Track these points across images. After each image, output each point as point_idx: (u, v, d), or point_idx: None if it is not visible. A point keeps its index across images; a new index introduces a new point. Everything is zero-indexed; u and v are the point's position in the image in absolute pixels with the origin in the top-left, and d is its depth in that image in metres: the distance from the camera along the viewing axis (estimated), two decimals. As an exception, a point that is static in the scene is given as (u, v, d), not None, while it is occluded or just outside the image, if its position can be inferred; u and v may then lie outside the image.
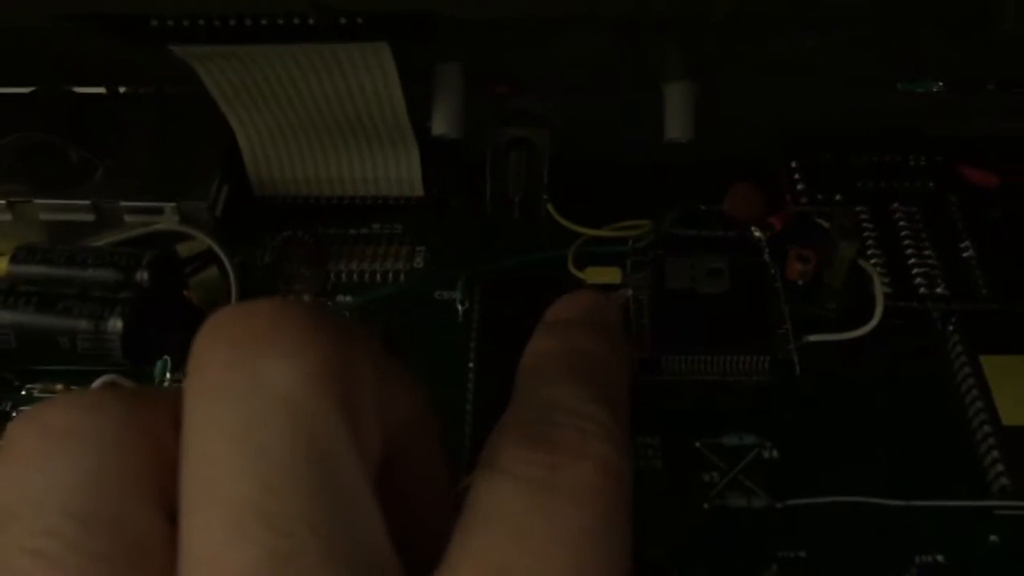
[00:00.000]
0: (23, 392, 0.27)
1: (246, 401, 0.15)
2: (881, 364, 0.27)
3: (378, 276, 0.30)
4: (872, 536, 0.24)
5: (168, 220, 0.29)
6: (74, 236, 0.29)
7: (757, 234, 0.30)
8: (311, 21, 0.26)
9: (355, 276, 0.30)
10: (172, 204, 0.28)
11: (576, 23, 0.28)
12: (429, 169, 0.31)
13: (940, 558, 0.23)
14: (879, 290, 0.28)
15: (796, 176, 0.31)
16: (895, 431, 0.26)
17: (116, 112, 0.31)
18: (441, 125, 0.29)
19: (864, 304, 0.28)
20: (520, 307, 0.29)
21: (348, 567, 0.14)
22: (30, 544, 0.14)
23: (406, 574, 0.15)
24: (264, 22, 0.26)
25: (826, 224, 0.30)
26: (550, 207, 0.31)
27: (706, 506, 0.25)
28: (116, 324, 0.26)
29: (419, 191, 0.31)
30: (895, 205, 0.30)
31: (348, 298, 0.30)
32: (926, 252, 0.29)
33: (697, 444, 0.26)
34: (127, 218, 0.29)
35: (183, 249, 0.29)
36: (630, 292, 0.29)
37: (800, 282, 0.29)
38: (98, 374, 0.27)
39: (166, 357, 0.27)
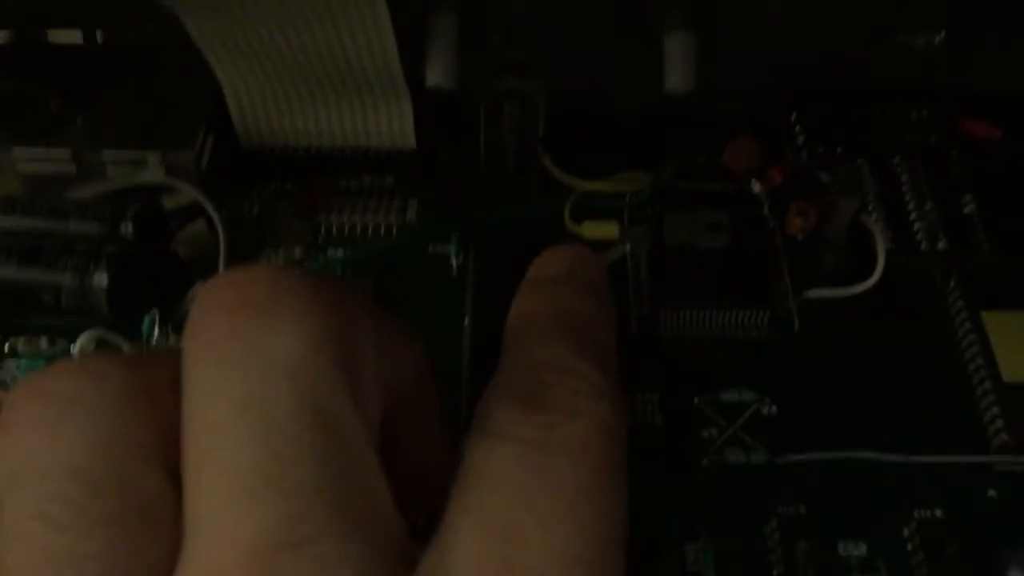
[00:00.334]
0: (6, 347, 0.27)
1: (248, 369, 0.15)
2: (881, 320, 0.27)
3: (370, 229, 0.29)
4: (871, 491, 0.24)
5: (153, 171, 0.28)
6: (54, 188, 0.28)
7: (757, 188, 0.30)
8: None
9: (346, 229, 0.29)
10: (157, 153, 0.28)
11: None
12: (421, 121, 0.30)
13: (939, 513, 0.23)
14: (880, 246, 0.28)
15: (797, 128, 0.31)
16: (895, 387, 0.26)
17: (96, 59, 0.30)
18: (435, 75, 0.28)
19: (865, 259, 0.28)
20: (516, 261, 0.29)
21: (354, 529, 0.14)
22: (37, 508, 0.14)
23: (409, 533, 0.16)
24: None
25: (826, 178, 0.30)
26: (546, 160, 0.30)
27: (705, 462, 0.24)
28: (101, 279, 0.25)
29: (411, 143, 0.30)
30: (896, 159, 0.30)
31: (339, 252, 0.29)
32: (927, 206, 0.29)
33: (696, 400, 0.26)
34: (110, 169, 0.28)
35: (169, 202, 0.28)
36: (628, 246, 0.29)
37: (800, 237, 0.29)
38: (83, 328, 0.26)
39: (154, 311, 0.26)
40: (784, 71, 0.32)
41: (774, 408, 0.25)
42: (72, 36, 0.31)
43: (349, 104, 0.29)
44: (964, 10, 0.31)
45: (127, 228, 0.26)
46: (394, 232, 0.29)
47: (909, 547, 0.23)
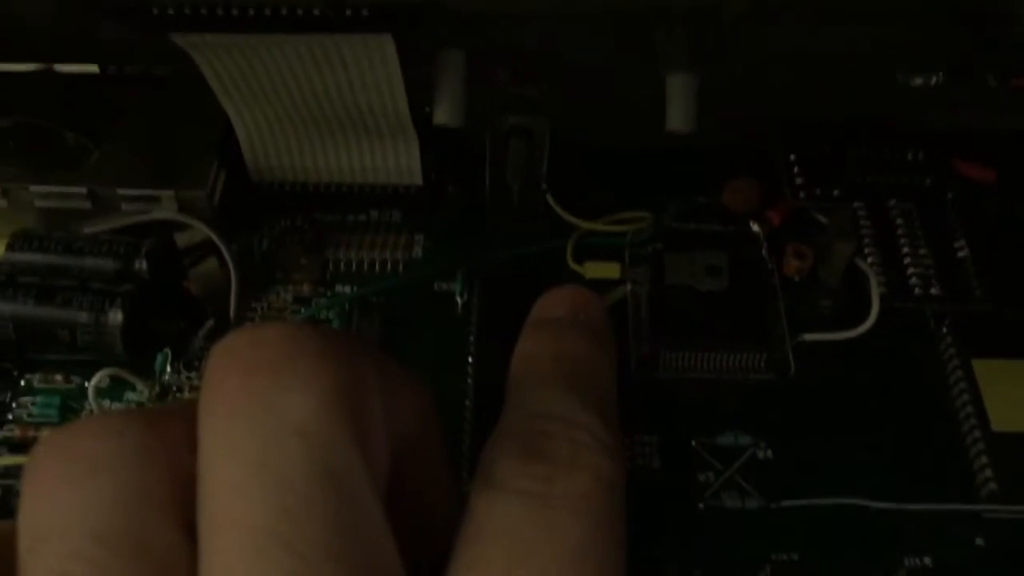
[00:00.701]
0: (22, 382, 0.27)
1: (262, 429, 0.15)
2: (875, 364, 0.28)
3: (377, 266, 0.30)
4: (862, 538, 0.24)
5: (166, 208, 0.28)
6: (70, 222, 0.29)
7: (755, 228, 0.31)
8: (316, 12, 0.25)
9: (353, 265, 0.30)
10: (170, 192, 0.28)
11: (582, 17, 0.28)
12: (428, 156, 0.31)
13: (928, 561, 0.24)
14: (875, 290, 0.28)
15: (795, 170, 0.31)
16: (887, 433, 0.26)
17: (111, 94, 0.30)
18: (443, 114, 0.29)
19: (860, 303, 0.29)
20: (519, 299, 0.29)
21: None
22: (59, 567, 0.15)
23: None
24: (268, 12, 0.25)
25: (824, 220, 0.30)
26: (549, 197, 0.31)
27: (701, 506, 0.25)
28: (116, 317, 0.26)
29: (418, 180, 0.31)
30: (892, 202, 0.31)
31: (347, 288, 0.30)
32: (921, 251, 0.30)
33: (693, 443, 0.26)
34: (124, 205, 0.28)
35: (181, 238, 0.29)
36: (629, 287, 0.29)
37: (797, 278, 0.30)
38: (97, 364, 0.27)
39: (167, 350, 0.27)
40: (784, 111, 0.33)
41: (769, 452, 0.26)
42: (88, 73, 0.31)
43: (358, 144, 0.30)
44: (963, 51, 0.32)
45: (141, 265, 0.27)
46: (401, 268, 0.30)
47: (898, 594, 0.24)
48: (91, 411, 0.27)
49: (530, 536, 0.18)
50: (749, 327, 0.28)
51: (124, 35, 0.27)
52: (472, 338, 0.28)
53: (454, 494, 0.21)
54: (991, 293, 0.29)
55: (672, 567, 0.24)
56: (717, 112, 0.29)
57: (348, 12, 0.25)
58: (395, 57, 0.26)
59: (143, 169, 0.29)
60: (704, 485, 0.25)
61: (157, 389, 0.27)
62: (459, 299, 0.29)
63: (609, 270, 0.30)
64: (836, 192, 0.31)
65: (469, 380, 0.28)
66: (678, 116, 0.29)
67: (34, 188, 0.28)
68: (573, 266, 0.30)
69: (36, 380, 0.27)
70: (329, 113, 0.28)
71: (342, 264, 0.30)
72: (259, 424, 0.15)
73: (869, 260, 0.29)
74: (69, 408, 0.27)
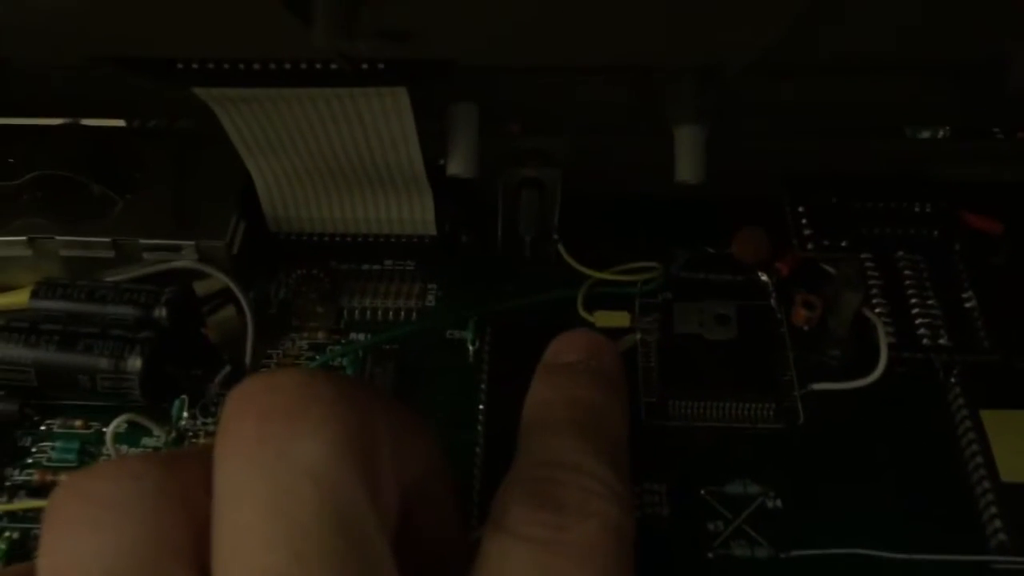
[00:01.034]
0: (43, 427, 0.28)
1: (275, 474, 0.16)
2: (884, 414, 0.28)
3: (391, 314, 0.31)
4: (871, 588, 0.24)
5: (186, 257, 0.29)
6: (93, 270, 0.30)
7: (764, 279, 0.31)
8: (333, 66, 0.26)
9: (368, 314, 0.31)
10: (190, 242, 0.29)
11: (591, 71, 0.29)
12: (441, 207, 0.31)
13: (938, 612, 0.24)
14: (883, 340, 0.29)
15: (803, 221, 0.32)
16: (896, 483, 0.26)
17: (135, 147, 0.31)
18: (456, 166, 0.29)
19: (868, 353, 0.29)
20: (531, 347, 0.30)
21: None
22: None
23: None
24: (287, 66, 0.26)
25: (832, 270, 0.31)
26: (560, 247, 0.32)
27: (710, 555, 0.25)
28: (135, 364, 0.27)
29: (432, 231, 0.32)
30: (900, 253, 0.31)
31: (361, 336, 0.30)
32: (929, 302, 0.30)
33: (702, 492, 0.26)
34: (146, 255, 0.29)
35: (200, 286, 0.29)
36: (639, 336, 0.30)
37: (806, 328, 0.30)
38: (116, 410, 0.27)
39: (183, 396, 0.28)
40: (792, 163, 0.33)
41: (779, 501, 0.26)
42: (114, 126, 0.32)
43: (373, 195, 0.30)
44: (968, 105, 0.32)
45: (161, 313, 0.28)
46: (414, 316, 0.31)
47: (908, 644, 0.24)
48: (109, 456, 0.27)
49: None
50: (758, 376, 0.29)
51: (148, 89, 0.28)
52: (483, 385, 0.29)
53: (462, 535, 0.21)
54: (999, 344, 0.29)
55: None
56: (726, 164, 0.30)
57: (364, 66, 0.26)
58: (410, 110, 0.27)
59: (165, 220, 0.30)
60: (713, 534, 0.25)
61: (174, 435, 0.28)
62: (471, 347, 0.30)
63: (619, 319, 0.30)
64: (844, 243, 0.31)
65: (480, 427, 0.28)
66: (687, 167, 0.30)
67: (59, 238, 0.29)
68: (584, 315, 0.30)
69: (56, 425, 0.28)
70: (345, 165, 0.29)
71: (357, 312, 0.31)
72: (272, 469, 0.16)
73: (877, 310, 0.30)
74: (87, 453, 0.27)
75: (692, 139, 0.30)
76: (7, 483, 0.27)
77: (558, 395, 0.23)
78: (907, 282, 0.30)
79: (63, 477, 0.27)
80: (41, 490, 0.27)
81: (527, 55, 0.27)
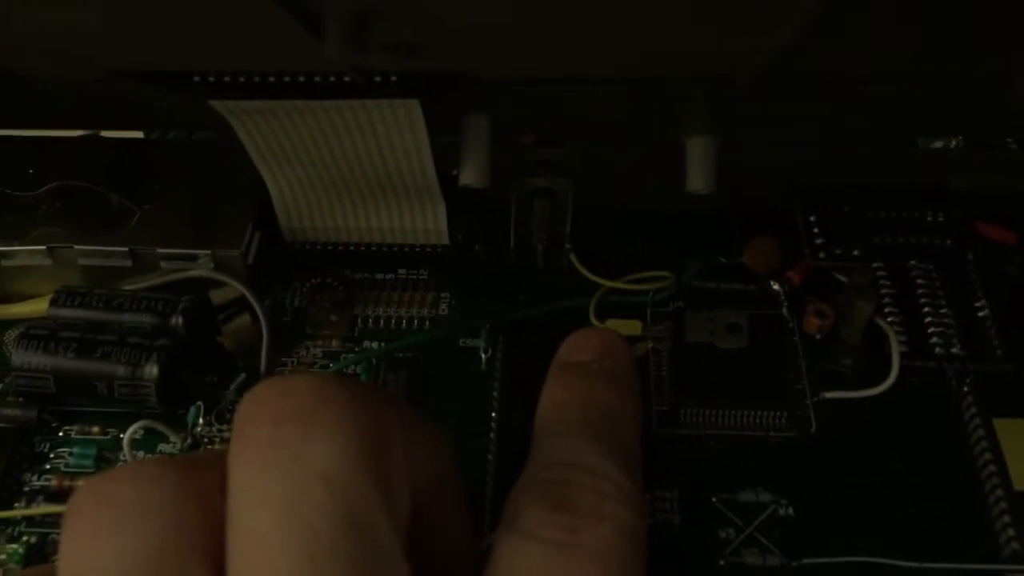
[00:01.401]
0: (60, 433, 0.28)
1: (288, 478, 0.16)
2: (896, 423, 0.28)
3: (404, 322, 0.31)
4: (884, 597, 0.24)
5: (203, 267, 0.29)
6: (111, 279, 0.30)
7: (776, 288, 0.31)
8: (346, 78, 0.26)
9: (381, 322, 0.31)
10: (207, 252, 0.29)
11: (603, 83, 0.29)
12: (454, 216, 0.32)
13: (951, 621, 0.24)
14: (895, 348, 0.29)
15: (815, 230, 0.32)
16: (909, 491, 0.26)
17: (152, 158, 0.32)
18: (468, 176, 0.30)
19: (880, 361, 0.29)
20: (543, 356, 0.30)
21: None
22: None
23: None
24: (301, 79, 0.26)
25: (844, 279, 0.31)
26: (572, 257, 0.32)
27: (722, 563, 0.25)
28: (152, 371, 0.27)
29: (445, 240, 0.32)
30: (913, 262, 0.31)
31: (374, 344, 0.30)
32: (942, 311, 0.30)
33: (714, 499, 0.26)
34: (163, 264, 0.30)
35: (216, 295, 0.30)
36: (650, 344, 0.30)
37: (817, 337, 0.30)
38: (133, 416, 0.28)
39: (199, 403, 0.28)
40: (804, 173, 0.33)
41: (790, 510, 0.26)
42: (132, 138, 0.33)
43: (387, 205, 0.31)
44: (981, 116, 0.32)
45: (178, 321, 0.28)
46: (427, 325, 0.31)
47: (921, 653, 0.23)
48: (126, 462, 0.27)
49: None
50: (769, 385, 0.29)
51: (166, 102, 0.28)
52: (496, 393, 0.29)
53: (473, 538, 0.21)
54: (1012, 353, 0.29)
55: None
56: (738, 174, 0.30)
57: (377, 79, 0.26)
58: (422, 122, 0.27)
59: (182, 230, 0.30)
60: (724, 542, 0.25)
61: (189, 441, 0.28)
62: (483, 355, 0.30)
63: (631, 327, 0.30)
64: (856, 252, 0.31)
65: (492, 434, 0.28)
66: (698, 177, 0.30)
67: (78, 247, 0.30)
68: (595, 323, 0.30)
69: (73, 431, 0.28)
70: (359, 176, 0.30)
71: (370, 321, 0.31)
72: (286, 473, 0.16)
73: (889, 319, 0.30)
74: (104, 459, 0.28)
75: (703, 149, 0.30)
76: (25, 488, 0.27)
77: (572, 396, 0.23)
78: (920, 291, 0.30)
79: (80, 482, 0.27)
80: (59, 495, 0.27)
81: (538, 68, 0.27)
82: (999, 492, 0.25)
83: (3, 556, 0.26)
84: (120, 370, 0.27)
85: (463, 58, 0.25)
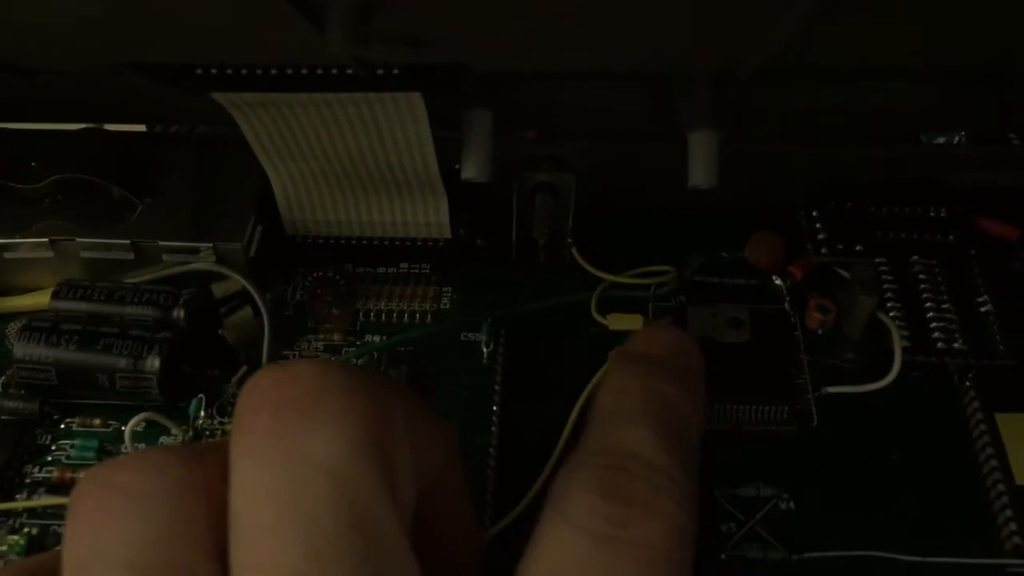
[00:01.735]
0: (62, 426, 0.28)
1: (290, 469, 0.15)
2: (898, 417, 0.28)
3: (406, 316, 0.31)
4: (885, 591, 0.24)
5: (204, 260, 0.29)
6: (113, 272, 0.30)
7: (778, 283, 0.31)
8: (349, 71, 0.26)
9: (383, 316, 0.31)
10: (208, 245, 0.29)
11: (606, 75, 0.29)
12: (456, 211, 0.32)
13: (952, 615, 0.24)
14: (897, 343, 0.29)
15: (817, 225, 0.32)
16: (911, 485, 0.26)
17: (155, 151, 0.32)
18: (470, 170, 0.30)
19: (882, 356, 0.29)
20: (544, 350, 0.30)
21: None
22: None
23: None
24: (303, 71, 0.26)
25: (846, 274, 0.31)
26: (574, 251, 0.32)
27: (723, 557, 0.25)
28: (154, 363, 0.27)
29: (447, 234, 0.32)
30: (915, 257, 0.31)
31: (376, 338, 0.30)
32: (944, 306, 0.30)
33: (715, 494, 0.26)
34: (165, 257, 0.30)
35: (218, 288, 0.30)
36: (652, 339, 0.30)
37: (819, 332, 0.30)
38: (135, 409, 0.28)
39: (201, 396, 0.28)
40: (806, 167, 0.33)
41: (792, 504, 0.26)
42: (134, 131, 0.33)
43: (389, 199, 0.31)
44: (984, 111, 0.32)
45: (179, 314, 0.28)
46: (429, 319, 0.31)
47: (922, 648, 0.23)
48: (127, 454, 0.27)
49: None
50: (771, 379, 0.29)
51: (168, 95, 0.28)
52: (497, 387, 0.29)
53: (475, 528, 0.21)
54: (1014, 348, 0.28)
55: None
56: (740, 169, 0.30)
57: (380, 71, 0.26)
58: (425, 115, 0.27)
59: (183, 223, 0.30)
60: (726, 536, 0.25)
61: (191, 434, 0.28)
62: (485, 349, 0.30)
63: (633, 322, 0.30)
64: (859, 247, 0.31)
65: (494, 428, 0.28)
66: (700, 172, 0.30)
67: (80, 240, 0.30)
68: (597, 318, 0.30)
69: (75, 424, 0.28)
70: (361, 169, 0.30)
71: (372, 314, 0.31)
72: (287, 464, 0.15)
73: (892, 314, 0.30)
74: (106, 451, 0.28)
75: (705, 144, 0.30)
76: (27, 480, 0.27)
77: (638, 384, 0.22)
78: (922, 286, 0.30)
79: (82, 474, 0.27)
80: (60, 487, 0.27)
81: (540, 61, 0.27)
82: (1001, 487, 0.25)
83: (4, 547, 0.26)
84: (122, 362, 0.27)
85: (466, 51, 0.25)
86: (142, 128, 0.34)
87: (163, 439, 0.28)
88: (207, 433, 0.28)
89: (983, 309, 0.30)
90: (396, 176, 0.30)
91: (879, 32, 0.25)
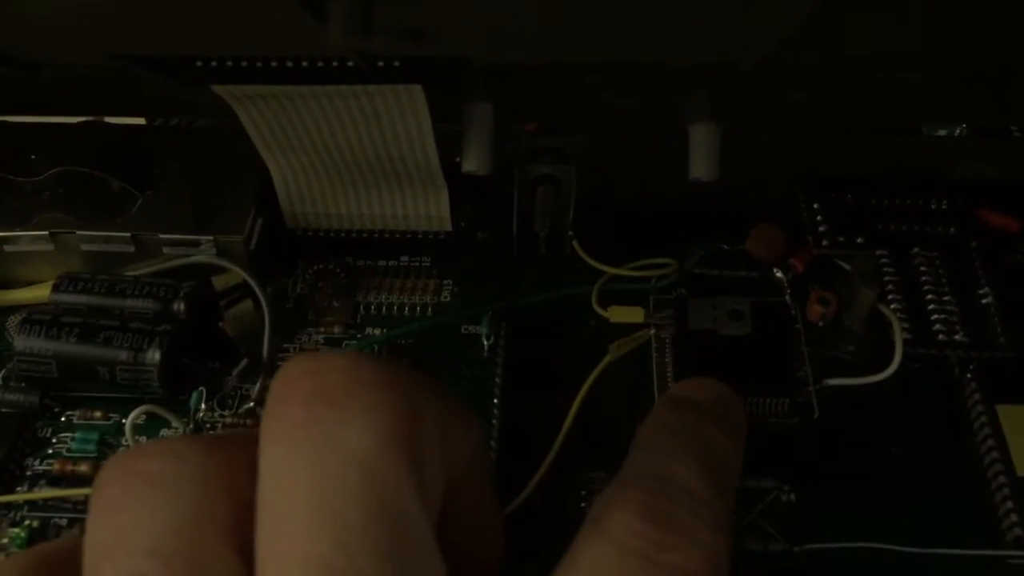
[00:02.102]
0: (63, 418, 0.28)
1: (321, 461, 0.15)
2: (899, 409, 0.28)
3: (406, 309, 0.31)
4: (886, 582, 0.24)
5: (205, 253, 0.29)
6: (113, 265, 0.30)
7: (779, 275, 0.31)
8: (349, 63, 0.26)
9: (384, 309, 0.31)
10: (209, 238, 0.29)
11: (606, 68, 0.29)
12: (457, 204, 0.32)
13: (953, 606, 0.24)
14: (898, 335, 0.29)
15: (818, 218, 0.32)
16: (911, 477, 0.26)
17: (155, 144, 0.32)
18: (471, 162, 0.30)
19: (883, 348, 0.29)
20: (545, 342, 0.30)
21: None
22: None
23: None
24: (304, 64, 0.26)
25: (847, 266, 0.31)
26: (575, 244, 0.32)
27: (724, 548, 0.25)
28: (154, 356, 0.27)
29: (448, 227, 0.32)
30: (916, 249, 0.31)
31: (377, 331, 0.30)
32: (946, 298, 0.30)
33: (716, 486, 0.26)
34: (165, 250, 0.30)
35: (218, 281, 0.30)
36: (653, 331, 0.30)
37: (820, 324, 0.30)
38: (135, 402, 0.28)
39: (201, 388, 0.28)
40: (807, 160, 0.33)
41: (792, 495, 0.26)
42: (135, 124, 0.33)
43: (389, 192, 0.31)
44: (985, 104, 0.32)
45: (180, 307, 0.28)
46: (429, 312, 0.31)
47: (923, 639, 0.23)
48: (128, 447, 0.27)
49: None
50: (773, 371, 0.29)
51: (169, 87, 0.28)
52: (498, 380, 0.29)
53: (500, 523, 0.21)
54: (1015, 340, 0.28)
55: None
56: (741, 161, 0.30)
57: (380, 64, 0.26)
58: (426, 107, 0.27)
59: (184, 216, 0.30)
60: (727, 527, 0.25)
61: (191, 426, 0.28)
62: (486, 342, 0.30)
63: (633, 314, 0.30)
64: (860, 240, 0.31)
65: (495, 421, 0.28)
66: (701, 165, 0.30)
67: (80, 233, 0.30)
68: (598, 310, 0.30)
69: (76, 416, 0.28)
70: (362, 162, 0.30)
71: (372, 307, 0.31)
72: (318, 455, 0.15)
73: (893, 306, 0.30)
74: (106, 444, 0.28)
75: (707, 137, 0.30)
76: (28, 472, 0.27)
77: (682, 423, 0.22)
78: (923, 278, 0.30)
79: (83, 467, 0.27)
80: (61, 480, 0.27)
81: (541, 53, 0.27)
82: (1002, 478, 0.25)
83: (5, 540, 0.26)
84: (122, 355, 0.27)
85: (467, 43, 0.25)
86: (142, 121, 0.34)
87: (164, 432, 0.28)
88: (208, 426, 0.28)
89: (984, 301, 0.30)
90: (397, 169, 0.29)
91: (881, 25, 0.25)
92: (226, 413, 0.28)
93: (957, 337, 0.29)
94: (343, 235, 0.32)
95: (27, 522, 0.26)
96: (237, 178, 0.31)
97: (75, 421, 0.28)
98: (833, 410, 0.28)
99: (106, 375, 0.27)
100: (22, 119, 0.32)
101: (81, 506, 0.26)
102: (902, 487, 0.26)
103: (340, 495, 0.15)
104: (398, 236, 0.32)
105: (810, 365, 0.29)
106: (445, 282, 0.32)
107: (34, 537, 0.26)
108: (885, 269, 0.30)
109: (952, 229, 0.31)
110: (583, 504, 0.26)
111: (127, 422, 0.27)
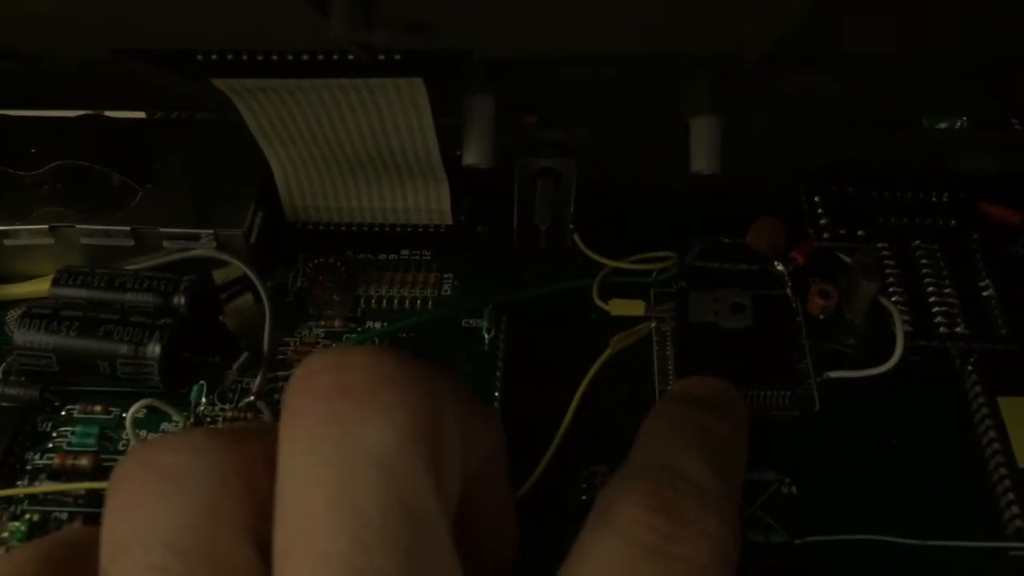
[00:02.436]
0: (63, 412, 0.28)
1: (341, 458, 0.15)
2: (900, 402, 0.28)
3: (407, 303, 0.31)
4: (886, 574, 0.24)
5: (205, 246, 0.29)
6: (113, 259, 0.30)
7: (779, 268, 0.31)
8: (350, 57, 0.26)
9: (384, 302, 0.31)
10: (209, 231, 0.29)
11: (607, 61, 0.29)
12: (457, 196, 0.32)
13: (954, 598, 0.24)
14: (899, 328, 0.29)
15: (819, 211, 0.32)
16: (913, 469, 0.26)
17: (155, 138, 0.32)
18: (472, 156, 0.30)
19: (884, 341, 0.29)
20: (545, 335, 0.30)
21: None
22: None
23: None
24: (305, 57, 0.26)
25: (848, 259, 0.31)
26: (576, 237, 0.32)
27: (725, 541, 0.25)
28: (154, 350, 0.27)
29: (448, 220, 0.32)
30: (917, 242, 0.31)
31: (377, 324, 0.30)
32: (947, 290, 0.30)
33: (717, 478, 0.26)
34: (165, 243, 0.30)
35: (219, 275, 0.30)
36: (654, 324, 0.30)
37: (821, 317, 0.30)
38: (135, 396, 0.27)
39: (202, 382, 0.28)
40: (808, 153, 0.33)
41: (794, 488, 0.26)
42: (134, 118, 0.33)
43: (390, 185, 0.31)
44: (986, 96, 0.32)
45: (180, 300, 0.28)
46: (430, 305, 0.31)
47: (924, 631, 0.24)
48: (128, 441, 0.27)
49: None
50: (773, 364, 0.29)
51: (169, 81, 0.28)
52: (499, 373, 0.29)
53: (515, 521, 0.21)
54: (1016, 332, 0.28)
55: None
56: (742, 155, 0.30)
57: (381, 57, 0.26)
58: (426, 101, 0.27)
59: (184, 209, 0.30)
60: (728, 520, 0.25)
61: (192, 420, 0.28)
62: (486, 335, 0.30)
63: (634, 307, 0.30)
64: (861, 233, 0.31)
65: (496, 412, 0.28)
66: (702, 158, 0.30)
67: (80, 227, 0.30)
68: (599, 303, 0.30)
69: (76, 410, 0.28)
70: (362, 155, 0.29)
71: (373, 301, 0.31)
72: (338, 453, 0.15)
73: (894, 299, 0.29)
74: (107, 438, 0.28)
75: (708, 130, 0.30)
76: (28, 467, 0.27)
77: (688, 416, 0.22)
78: (924, 271, 0.30)
79: (83, 461, 0.27)
80: (61, 474, 0.27)
81: (542, 45, 0.27)
82: (1003, 470, 0.25)
83: (6, 534, 0.26)
84: (123, 349, 0.27)
85: (467, 36, 0.25)
86: (142, 114, 0.33)
87: (164, 426, 0.28)
88: (208, 420, 0.28)
89: (985, 294, 0.30)
90: (397, 162, 0.29)
91: (882, 17, 0.25)
92: (227, 407, 0.28)
93: (958, 329, 0.29)
94: (343, 228, 0.32)
95: (27, 516, 0.26)
96: (237, 171, 0.31)
97: (75, 415, 0.28)
98: (834, 403, 0.28)
99: (106, 369, 0.27)
100: (22, 113, 0.32)
101: (81, 500, 0.26)
102: (903, 479, 0.26)
103: (360, 493, 0.15)
104: (398, 229, 0.32)
105: (811, 358, 0.29)
106: (445, 275, 0.32)
107: (34, 531, 0.26)
108: (886, 262, 0.30)
109: (953, 222, 0.31)
110: (584, 497, 0.26)
111: (127, 416, 0.27)
